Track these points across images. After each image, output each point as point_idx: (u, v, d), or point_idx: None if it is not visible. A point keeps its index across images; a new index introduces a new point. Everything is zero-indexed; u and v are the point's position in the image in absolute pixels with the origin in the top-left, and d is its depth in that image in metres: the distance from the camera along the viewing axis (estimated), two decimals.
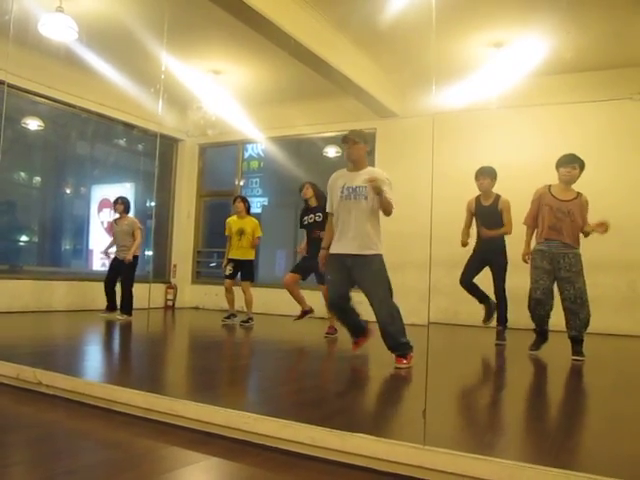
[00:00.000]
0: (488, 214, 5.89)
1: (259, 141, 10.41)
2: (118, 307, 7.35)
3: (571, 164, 4.91)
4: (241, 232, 7.40)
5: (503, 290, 5.82)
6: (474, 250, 6.00)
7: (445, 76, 7.37)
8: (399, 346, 4.23)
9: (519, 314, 6.30)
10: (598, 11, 6.29)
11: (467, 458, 1.89)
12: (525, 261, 5.17)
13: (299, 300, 6.51)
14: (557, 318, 5.10)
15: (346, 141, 4.35)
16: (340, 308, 4.50)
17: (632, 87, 7.59)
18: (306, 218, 6.35)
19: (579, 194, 4.99)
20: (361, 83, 7.68)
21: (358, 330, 4.70)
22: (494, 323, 5.96)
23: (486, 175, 5.90)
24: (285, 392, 3.48)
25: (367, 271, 4.23)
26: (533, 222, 5.12)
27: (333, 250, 4.37)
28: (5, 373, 3.12)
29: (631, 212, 7.41)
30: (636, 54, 7.16)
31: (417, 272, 7.17)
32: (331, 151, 9.74)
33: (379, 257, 4.26)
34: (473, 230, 6.06)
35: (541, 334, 5.20)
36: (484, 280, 5.94)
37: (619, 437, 2.64)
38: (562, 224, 4.90)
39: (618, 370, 4.93)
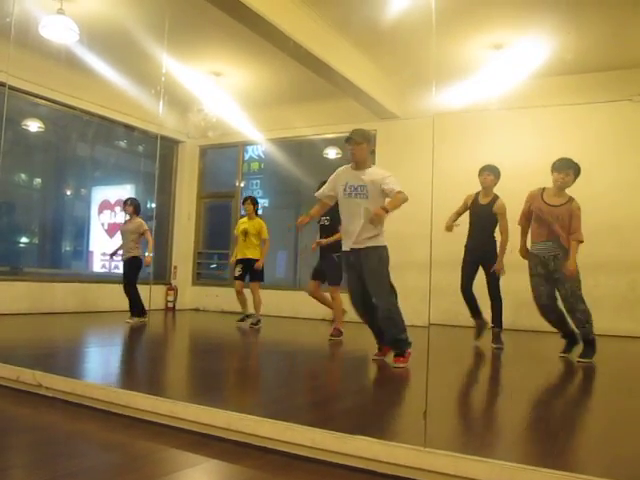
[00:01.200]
0: (482, 214, 5.84)
1: (259, 142, 10.42)
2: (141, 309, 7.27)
3: (565, 170, 4.89)
4: (245, 233, 7.41)
5: (497, 290, 5.78)
6: (465, 252, 5.95)
7: (445, 78, 7.38)
8: (396, 342, 4.29)
9: (519, 315, 6.31)
10: (598, 13, 6.29)
11: (468, 460, 1.89)
12: (523, 256, 5.21)
13: (327, 304, 6.51)
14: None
15: (349, 141, 4.39)
16: (360, 308, 4.49)
17: (632, 89, 7.59)
18: (321, 219, 6.28)
19: (570, 199, 4.94)
20: (361, 84, 7.68)
21: (381, 335, 4.58)
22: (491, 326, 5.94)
23: (490, 171, 5.87)
24: (286, 394, 3.47)
25: (366, 265, 4.31)
26: (526, 222, 5.19)
27: (343, 249, 4.49)
28: (5, 375, 3.12)
29: (631, 213, 7.42)
30: (636, 56, 7.16)
31: (418, 273, 7.17)
32: (331, 152, 9.74)
33: (379, 250, 4.33)
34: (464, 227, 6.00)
35: (567, 336, 5.12)
36: (478, 282, 5.91)
37: (620, 439, 2.64)
38: (552, 228, 4.91)
39: (618, 371, 4.92)
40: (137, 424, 2.49)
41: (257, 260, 7.35)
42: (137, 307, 7.20)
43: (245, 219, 7.60)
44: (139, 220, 7.44)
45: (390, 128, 9.03)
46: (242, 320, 7.50)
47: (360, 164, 4.43)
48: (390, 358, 4.40)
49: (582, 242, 4.93)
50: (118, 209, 9.98)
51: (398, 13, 6.05)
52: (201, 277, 10.80)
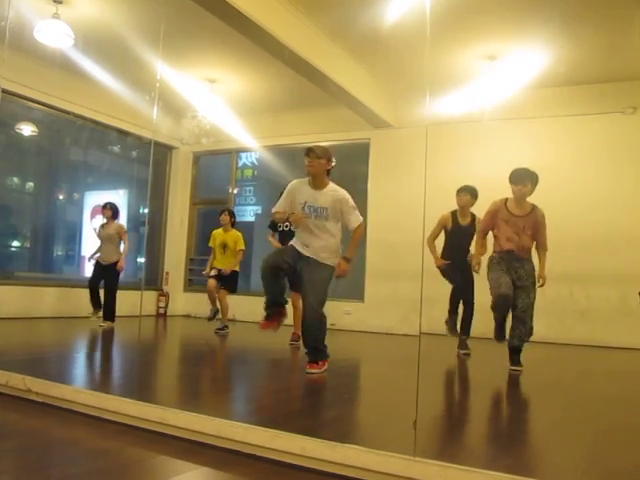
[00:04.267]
0: (463, 234, 5.87)
1: (253, 149, 10.43)
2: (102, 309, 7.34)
3: (522, 182, 4.86)
4: (224, 246, 7.35)
5: (473, 297, 5.88)
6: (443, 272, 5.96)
7: (439, 88, 7.41)
8: (315, 350, 4.32)
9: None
10: (591, 26, 6.35)
11: (457, 470, 1.89)
12: (475, 270, 5.18)
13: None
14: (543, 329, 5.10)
15: (308, 153, 4.32)
16: (273, 272, 4.39)
17: (624, 101, 7.66)
18: (281, 225, 6.24)
19: (534, 208, 4.94)
20: (355, 93, 7.71)
21: (276, 304, 4.53)
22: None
23: (467, 192, 5.84)
24: (276, 401, 3.47)
25: (316, 273, 4.30)
26: (484, 234, 5.17)
27: (294, 244, 4.46)
28: None
29: (624, 225, 7.46)
30: (628, 68, 7.23)
31: (409, 282, 7.17)
32: None
33: (331, 268, 4.36)
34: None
35: (499, 338, 5.08)
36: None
37: (611, 451, 2.65)
38: (518, 237, 4.91)
39: (609, 383, 4.94)
40: (127, 430, 2.48)
41: (233, 272, 7.31)
42: (112, 312, 7.21)
43: (220, 231, 7.47)
44: (118, 224, 7.47)
45: (384, 137, 9.06)
46: (214, 322, 7.42)
47: (317, 181, 4.35)
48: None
49: (546, 250, 4.98)
50: None
51: (393, 22, 6.08)
52: (193, 283, 10.77)
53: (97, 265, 7.49)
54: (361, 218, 4.38)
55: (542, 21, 5.98)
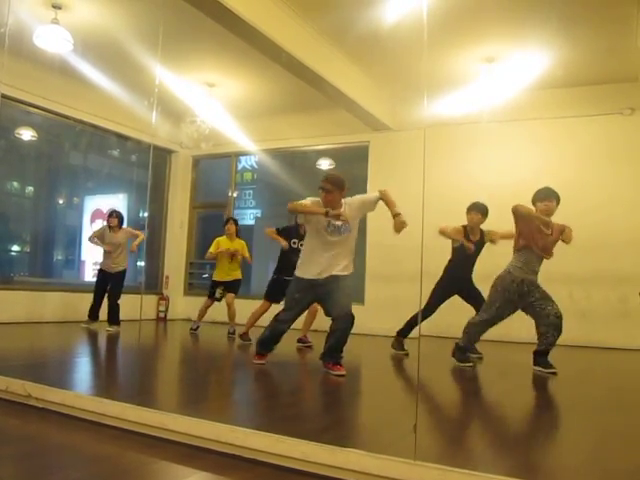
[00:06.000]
0: (474, 250, 5.88)
1: (252, 153, 10.44)
2: (99, 318, 7.40)
3: (548, 199, 4.89)
4: (232, 255, 7.43)
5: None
6: (448, 280, 5.90)
7: (438, 90, 7.42)
8: (340, 353, 4.52)
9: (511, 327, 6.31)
10: (589, 27, 6.36)
11: (458, 473, 1.89)
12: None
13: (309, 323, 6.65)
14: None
15: (322, 188, 4.46)
16: (283, 331, 4.70)
17: (622, 102, 7.67)
18: (297, 241, 6.29)
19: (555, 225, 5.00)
20: (354, 96, 7.72)
21: (269, 347, 4.89)
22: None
23: (478, 211, 5.79)
24: (276, 405, 3.47)
25: (342, 286, 4.47)
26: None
27: (303, 275, 4.55)
28: None
29: (623, 226, 7.47)
30: (626, 70, 7.23)
31: (409, 284, 7.14)
32: (324, 163, 9.77)
33: (350, 275, 4.57)
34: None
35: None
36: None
37: (610, 453, 2.64)
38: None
39: (608, 384, 4.93)
40: (127, 436, 2.48)
41: (238, 280, 7.49)
42: (117, 317, 7.24)
43: (224, 239, 7.52)
44: (125, 229, 7.51)
45: (382, 140, 9.07)
46: (195, 329, 7.61)
47: (334, 206, 4.46)
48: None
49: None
50: None
51: (391, 25, 6.08)
52: (193, 287, 10.77)
53: (101, 273, 7.50)
54: (374, 193, 4.61)
55: (540, 23, 5.98)
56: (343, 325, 4.46)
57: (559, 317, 4.85)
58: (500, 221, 6.00)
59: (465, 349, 5.25)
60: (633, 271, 7.30)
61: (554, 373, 4.81)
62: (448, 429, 3.11)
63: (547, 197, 4.90)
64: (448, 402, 3.90)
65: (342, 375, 4.32)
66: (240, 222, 9.46)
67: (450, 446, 2.70)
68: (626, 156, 7.61)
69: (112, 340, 6.73)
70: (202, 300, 7.72)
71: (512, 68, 7.20)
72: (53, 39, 6.31)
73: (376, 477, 1.97)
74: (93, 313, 7.43)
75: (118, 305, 7.27)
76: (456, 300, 6.03)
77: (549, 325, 4.86)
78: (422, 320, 5.90)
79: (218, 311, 7.67)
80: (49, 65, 6.95)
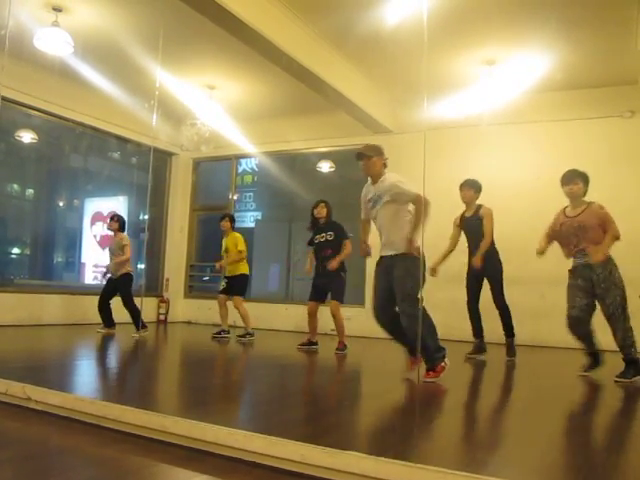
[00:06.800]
0: (472, 225, 5.98)
1: (253, 156, 10.45)
2: (113, 323, 7.37)
3: (572, 182, 4.85)
4: (225, 250, 7.50)
5: (503, 300, 5.85)
6: (468, 268, 6.02)
7: (438, 93, 7.43)
8: (426, 357, 4.22)
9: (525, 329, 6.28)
10: (590, 29, 6.36)
11: (459, 476, 1.89)
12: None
13: (312, 330, 6.49)
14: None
15: (360, 157, 4.45)
16: (383, 320, 4.37)
17: (623, 105, 7.67)
18: (317, 237, 6.35)
19: (589, 204, 4.88)
20: (354, 98, 7.73)
21: (409, 346, 4.44)
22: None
23: (469, 187, 5.99)
24: (276, 409, 3.46)
25: (395, 270, 4.25)
26: (549, 239, 5.07)
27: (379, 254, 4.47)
28: None
29: (623, 228, 7.41)
30: (626, 72, 7.23)
31: None
32: (324, 166, 9.76)
33: (402, 258, 4.23)
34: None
35: (590, 355, 4.91)
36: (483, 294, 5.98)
37: (620, 453, 2.63)
38: (577, 239, 4.85)
39: (610, 384, 4.92)
40: (127, 438, 2.47)
41: (240, 275, 7.48)
42: (136, 321, 7.21)
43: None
44: (122, 235, 7.49)
45: (383, 142, 8.90)
46: (218, 334, 7.51)
47: (374, 177, 4.49)
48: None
49: (618, 238, 4.90)
50: None
51: (391, 28, 6.09)
52: (193, 290, 10.77)
53: (108, 279, 7.53)
54: (414, 191, 4.25)
55: (540, 26, 6.00)
56: (401, 322, 4.19)
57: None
58: (500, 222, 6.02)
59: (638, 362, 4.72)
60: (634, 273, 7.27)
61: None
62: (450, 431, 3.10)
63: (569, 181, 4.86)
64: (450, 405, 3.89)
65: (428, 382, 4.13)
66: (241, 224, 9.48)
67: (451, 448, 2.69)
68: (626, 159, 7.61)
69: (112, 343, 6.73)
70: (202, 302, 7.73)
71: (512, 71, 7.20)
72: (54, 42, 6.32)
73: None
74: (102, 319, 7.38)
75: (132, 310, 7.25)
76: (456, 300, 6.04)
77: None
78: (472, 315, 5.98)
79: (217, 313, 7.67)
80: (49, 68, 6.96)
